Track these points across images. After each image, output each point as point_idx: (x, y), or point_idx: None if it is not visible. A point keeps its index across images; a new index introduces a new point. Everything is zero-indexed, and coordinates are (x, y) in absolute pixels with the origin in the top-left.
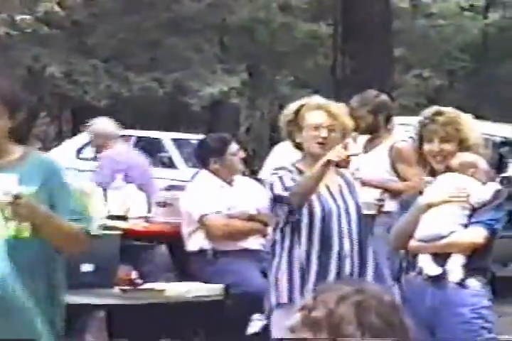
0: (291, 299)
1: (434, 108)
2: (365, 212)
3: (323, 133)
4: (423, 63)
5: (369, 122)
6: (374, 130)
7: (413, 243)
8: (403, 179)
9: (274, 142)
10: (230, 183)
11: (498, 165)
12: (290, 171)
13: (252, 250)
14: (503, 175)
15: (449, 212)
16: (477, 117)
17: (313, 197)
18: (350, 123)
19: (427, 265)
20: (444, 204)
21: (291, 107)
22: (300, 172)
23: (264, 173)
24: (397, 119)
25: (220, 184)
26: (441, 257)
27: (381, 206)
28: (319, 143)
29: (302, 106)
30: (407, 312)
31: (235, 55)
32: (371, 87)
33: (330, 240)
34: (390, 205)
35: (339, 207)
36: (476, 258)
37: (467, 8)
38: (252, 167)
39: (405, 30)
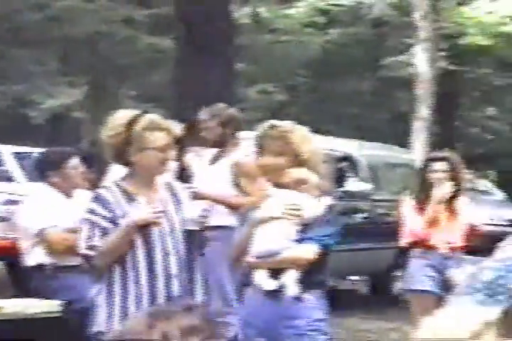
0: (109, 326)
1: (269, 122)
2: (189, 227)
3: (169, 155)
4: (266, 78)
5: (218, 134)
6: (221, 143)
7: (250, 258)
8: (245, 193)
9: None
10: (69, 197)
11: (338, 180)
12: (112, 192)
13: None
14: (343, 189)
15: (281, 228)
16: (318, 132)
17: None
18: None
19: (263, 280)
20: (276, 220)
21: (119, 124)
22: (125, 192)
23: None
24: (241, 134)
25: (60, 197)
26: (277, 272)
27: (204, 222)
28: (162, 164)
29: (131, 124)
30: (248, 326)
31: (77, 68)
32: (213, 102)
33: (154, 262)
34: (230, 220)
35: (162, 226)
36: (312, 273)
37: (308, 24)
38: (93, 181)
39: (249, 45)
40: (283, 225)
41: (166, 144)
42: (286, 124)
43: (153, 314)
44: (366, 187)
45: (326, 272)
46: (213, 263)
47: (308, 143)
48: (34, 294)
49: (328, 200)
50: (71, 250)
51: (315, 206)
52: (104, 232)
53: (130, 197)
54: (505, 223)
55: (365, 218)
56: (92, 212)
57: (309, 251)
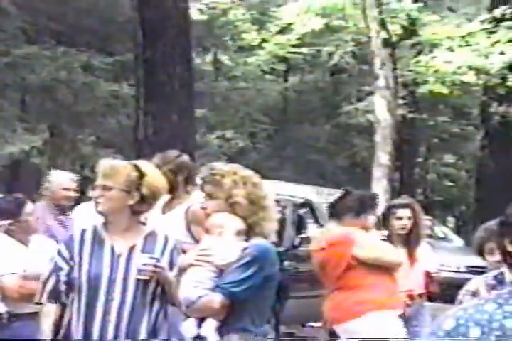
0: None
1: (209, 165)
2: (138, 277)
3: (96, 193)
4: (225, 124)
5: (169, 180)
6: (172, 189)
7: (182, 307)
8: (197, 241)
9: (78, 202)
10: (25, 244)
11: (298, 226)
12: (84, 233)
13: None
14: (303, 235)
15: (198, 275)
16: (278, 178)
17: (85, 260)
18: (129, 179)
19: (187, 327)
20: (195, 268)
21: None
22: (97, 235)
23: None
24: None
25: (16, 245)
26: (202, 320)
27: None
28: (96, 202)
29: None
30: None
31: (36, 114)
32: (173, 148)
33: (95, 306)
34: None
35: (114, 271)
36: (231, 321)
37: (268, 71)
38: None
39: (208, 91)
40: (200, 272)
41: (96, 183)
42: (221, 167)
43: None
44: None
45: (247, 319)
46: (172, 313)
47: (243, 187)
48: None
49: (242, 244)
50: (27, 297)
51: (228, 251)
52: (60, 273)
53: (99, 240)
54: (463, 270)
55: None
56: (58, 251)
57: (213, 300)
